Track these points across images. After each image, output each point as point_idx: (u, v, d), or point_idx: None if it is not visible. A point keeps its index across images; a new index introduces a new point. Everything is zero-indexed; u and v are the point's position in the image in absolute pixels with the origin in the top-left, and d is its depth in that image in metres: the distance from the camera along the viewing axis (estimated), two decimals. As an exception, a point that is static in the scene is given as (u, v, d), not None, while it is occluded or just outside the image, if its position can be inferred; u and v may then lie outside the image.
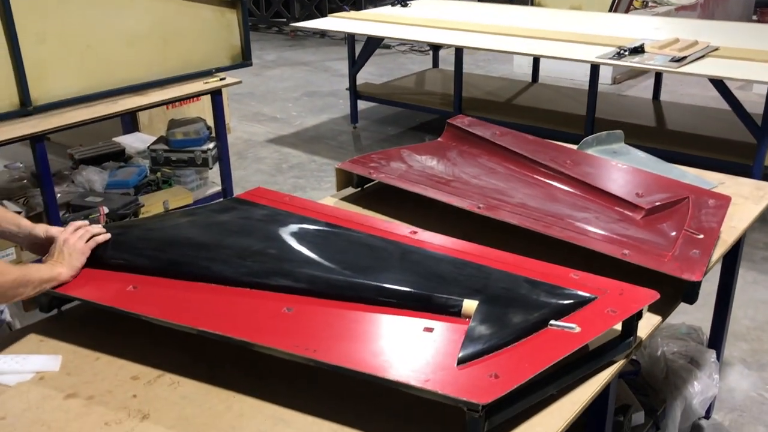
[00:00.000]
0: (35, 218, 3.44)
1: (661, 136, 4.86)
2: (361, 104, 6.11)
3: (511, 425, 1.29)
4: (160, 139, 4.17)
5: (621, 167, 2.26)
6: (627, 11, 6.90)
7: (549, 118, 5.18)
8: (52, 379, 1.44)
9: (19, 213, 3.40)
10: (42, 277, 1.55)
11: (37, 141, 3.17)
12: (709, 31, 4.73)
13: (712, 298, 2.53)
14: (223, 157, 4.09)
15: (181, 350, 1.52)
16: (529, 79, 6.41)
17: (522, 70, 7.33)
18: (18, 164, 3.84)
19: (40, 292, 1.56)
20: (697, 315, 2.81)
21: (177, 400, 1.38)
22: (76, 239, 1.64)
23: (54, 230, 1.67)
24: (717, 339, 2.55)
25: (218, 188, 4.16)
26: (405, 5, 6.13)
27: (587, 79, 4.70)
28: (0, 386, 1.42)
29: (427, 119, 6.12)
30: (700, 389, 2.32)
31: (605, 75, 6.82)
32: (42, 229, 1.68)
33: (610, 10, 6.52)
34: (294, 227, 1.80)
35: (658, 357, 2.38)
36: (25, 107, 3.22)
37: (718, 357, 2.52)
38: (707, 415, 2.61)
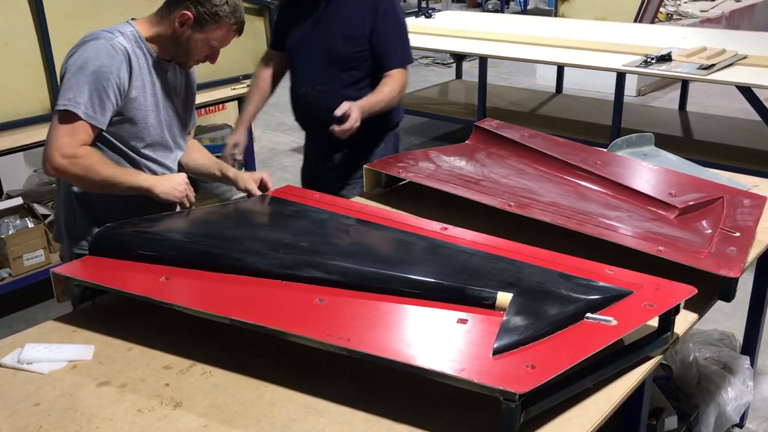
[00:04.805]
0: (64, 221, 3.47)
1: (689, 145, 4.81)
2: (385, 115, 6.11)
3: (547, 418, 1.27)
4: (187, 146, 4.19)
5: (652, 168, 2.23)
6: (652, 23, 6.87)
7: (574, 128, 5.14)
8: (85, 368, 1.45)
9: (47, 216, 3.45)
10: (133, 184, 1.84)
11: (67, 144, 3.21)
12: (737, 41, 4.69)
13: (745, 307, 2.48)
14: (249, 164, 4.11)
15: (212, 341, 1.52)
16: (553, 91, 6.38)
17: (545, 82, 7.30)
18: (47, 169, 3.89)
19: (131, 193, 1.85)
20: (728, 324, 2.76)
21: (209, 389, 1.37)
22: (184, 177, 1.93)
23: (231, 171, 2.19)
24: (750, 345, 2.50)
25: (243, 194, 4.17)
26: (429, 16, 6.14)
27: (612, 91, 4.66)
28: (34, 374, 1.43)
29: (450, 129, 6.11)
30: (734, 395, 2.27)
31: (630, 87, 6.77)
32: (232, 172, 2.19)
33: (635, 22, 6.49)
34: (325, 222, 1.80)
35: (691, 362, 2.34)
36: (57, 111, 3.27)
37: (752, 363, 2.47)
38: (741, 423, 2.55)
